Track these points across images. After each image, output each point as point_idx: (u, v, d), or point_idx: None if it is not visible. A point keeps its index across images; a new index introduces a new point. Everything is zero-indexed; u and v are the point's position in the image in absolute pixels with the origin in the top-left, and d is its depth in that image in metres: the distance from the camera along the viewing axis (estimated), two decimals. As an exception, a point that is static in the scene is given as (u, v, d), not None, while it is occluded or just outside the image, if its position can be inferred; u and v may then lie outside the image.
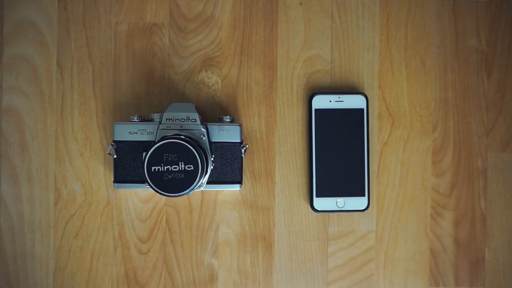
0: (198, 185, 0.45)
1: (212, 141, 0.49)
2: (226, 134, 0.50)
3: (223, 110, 0.54)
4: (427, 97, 0.55)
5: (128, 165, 0.50)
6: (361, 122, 0.53)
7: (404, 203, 0.54)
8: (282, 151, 0.54)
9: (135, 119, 0.50)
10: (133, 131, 0.49)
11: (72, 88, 0.54)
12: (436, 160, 0.54)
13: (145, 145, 0.49)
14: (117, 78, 0.54)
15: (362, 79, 0.55)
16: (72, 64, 0.54)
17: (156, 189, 0.43)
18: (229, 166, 0.50)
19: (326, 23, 0.55)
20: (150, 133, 0.49)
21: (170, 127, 0.48)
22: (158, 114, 0.50)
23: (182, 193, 0.43)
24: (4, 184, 0.53)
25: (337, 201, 0.53)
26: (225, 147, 0.50)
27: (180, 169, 0.43)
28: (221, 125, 0.50)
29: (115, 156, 0.49)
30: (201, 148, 0.46)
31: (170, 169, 0.43)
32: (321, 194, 0.53)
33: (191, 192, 0.44)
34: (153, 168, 0.43)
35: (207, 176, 0.48)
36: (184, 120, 0.48)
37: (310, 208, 0.53)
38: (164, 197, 0.53)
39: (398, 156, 0.54)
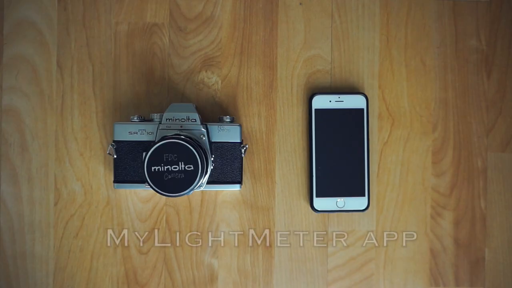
0: (198, 185, 0.45)
1: (212, 141, 0.49)
2: (226, 134, 0.50)
3: (223, 110, 0.54)
4: (427, 97, 0.55)
5: (128, 165, 0.50)
6: (361, 122, 0.53)
7: (404, 203, 0.54)
8: (282, 151, 0.54)
9: (135, 119, 0.50)
10: (133, 131, 0.49)
11: (72, 88, 0.54)
12: (436, 160, 0.54)
13: (145, 145, 0.49)
14: (117, 78, 0.54)
15: (362, 79, 0.55)
16: (72, 64, 0.54)
17: (156, 189, 0.43)
18: (229, 166, 0.50)
19: (326, 23, 0.55)
20: (150, 133, 0.49)
21: (170, 127, 0.48)
22: (158, 114, 0.50)
23: (182, 193, 0.43)
24: (4, 184, 0.53)
25: (337, 201, 0.53)
26: (225, 147, 0.50)
27: (180, 169, 0.43)
28: (221, 125, 0.50)
29: (115, 156, 0.49)
30: (201, 148, 0.46)
31: (170, 169, 0.43)
32: (321, 194, 0.53)
33: (191, 192, 0.44)
34: (153, 168, 0.43)
35: (207, 176, 0.48)
36: (184, 120, 0.48)
37: (310, 208, 0.53)
38: (164, 197, 0.53)
39: (398, 156, 0.54)
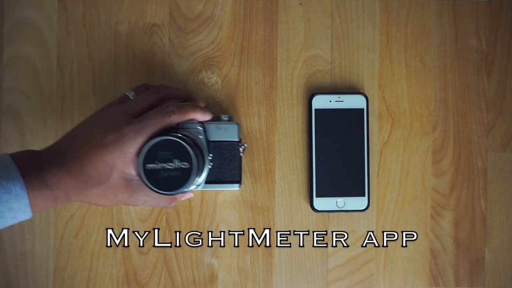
0: (195, 183, 0.45)
1: (210, 140, 0.49)
2: (224, 133, 0.49)
3: (223, 110, 0.54)
4: (427, 97, 0.55)
5: (128, 165, 0.49)
6: (361, 122, 0.53)
7: (404, 203, 0.54)
8: (282, 151, 0.54)
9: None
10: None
11: (72, 88, 0.54)
12: (436, 160, 0.54)
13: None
14: (117, 78, 0.54)
15: (362, 79, 0.55)
16: (72, 64, 0.54)
17: (152, 186, 0.43)
18: (227, 165, 0.50)
19: (326, 23, 0.55)
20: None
21: None
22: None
23: (177, 191, 0.43)
24: (4, 184, 0.53)
25: (337, 201, 0.53)
26: (223, 146, 0.49)
27: (176, 166, 0.43)
28: (219, 123, 0.49)
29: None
30: (197, 145, 0.46)
31: (165, 167, 0.43)
32: (321, 194, 0.53)
33: (187, 190, 0.44)
34: (148, 166, 0.43)
35: (204, 174, 0.47)
36: None
37: (310, 208, 0.53)
38: (164, 197, 0.53)
39: (398, 156, 0.54)
